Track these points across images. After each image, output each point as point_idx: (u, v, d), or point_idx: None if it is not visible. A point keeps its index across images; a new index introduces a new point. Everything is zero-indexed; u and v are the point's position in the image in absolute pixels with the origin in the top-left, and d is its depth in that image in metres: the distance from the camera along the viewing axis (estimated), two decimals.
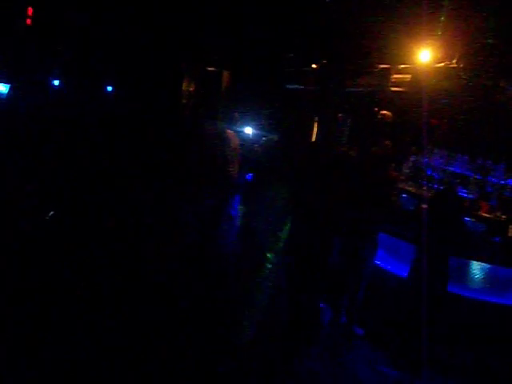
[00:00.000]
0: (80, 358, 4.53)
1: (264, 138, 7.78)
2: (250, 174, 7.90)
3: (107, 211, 8.17)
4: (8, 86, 10.16)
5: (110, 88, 15.97)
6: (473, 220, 6.94)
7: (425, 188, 7.78)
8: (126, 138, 11.26)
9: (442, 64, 10.16)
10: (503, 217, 7.03)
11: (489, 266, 6.44)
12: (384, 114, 9.44)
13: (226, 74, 13.93)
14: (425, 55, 9.56)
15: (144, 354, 4.74)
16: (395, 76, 11.58)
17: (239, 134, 9.54)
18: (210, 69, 14.03)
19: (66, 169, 9.00)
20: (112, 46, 13.00)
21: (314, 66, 13.11)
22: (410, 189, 7.82)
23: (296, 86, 14.33)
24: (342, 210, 5.87)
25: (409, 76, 11.14)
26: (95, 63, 13.13)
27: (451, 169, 8.23)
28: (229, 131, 7.95)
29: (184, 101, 12.97)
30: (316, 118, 11.77)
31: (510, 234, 6.71)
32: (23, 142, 8.39)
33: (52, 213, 7.41)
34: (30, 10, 13.15)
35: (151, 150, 10.62)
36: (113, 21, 12.30)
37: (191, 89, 13.07)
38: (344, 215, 5.87)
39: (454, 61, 10.09)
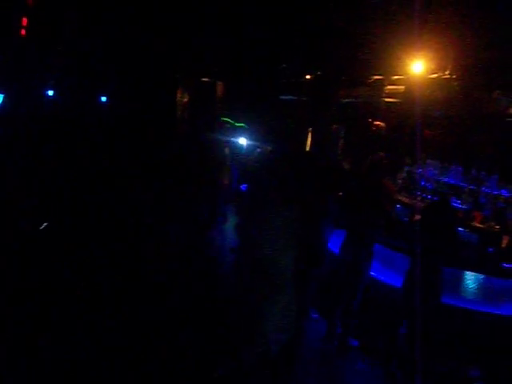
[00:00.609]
0: (80, 358, 4.53)
1: (258, 150, 7.85)
2: (245, 185, 7.94)
3: (107, 211, 8.23)
4: (1, 95, 10.20)
5: (104, 98, 16.09)
6: (466, 230, 6.96)
7: (419, 199, 7.81)
8: (126, 138, 11.33)
9: (435, 75, 10.22)
10: (497, 227, 7.05)
11: (482, 276, 6.45)
12: (378, 125, 9.51)
13: (220, 84, 13.97)
14: (418, 66, 9.63)
15: (144, 354, 4.74)
16: (389, 87, 11.64)
17: (233, 144, 9.58)
18: (204, 80, 14.07)
19: (66, 169, 9.07)
20: (112, 46, 13.01)
21: (308, 76, 13.16)
22: (404, 199, 7.85)
23: (290, 97, 14.39)
24: (340, 209, 5.91)
25: (402, 87, 11.21)
26: (95, 64, 13.14)
27: (445, 179, 8.27)
28: (221, 141, 8.04)
29: (179, 112, 13.01)
30: (310, 129, 11.83)
31: (503, 245, 6.73)
32: (21, 146, 8.44)
33: (46, 224, 7.42)
34: (25, 21, 13.16)
35: (151, 150, 10.70)
36: (113, 21, 12.34)
37: (185, 100, 13.10)
38: (341, 214, 5.91)
39: (447, 72, 10.16)
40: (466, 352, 5.84)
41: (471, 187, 7.91)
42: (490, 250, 6.68)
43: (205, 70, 13.67)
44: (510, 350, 5.81)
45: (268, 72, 13.52)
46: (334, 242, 6.47)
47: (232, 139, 10.17)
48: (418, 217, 5.92)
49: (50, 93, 15.70)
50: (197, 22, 12.00)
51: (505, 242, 6.76)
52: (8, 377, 4.17)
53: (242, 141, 10.57)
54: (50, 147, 8.83)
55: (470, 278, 6.50)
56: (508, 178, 7.82)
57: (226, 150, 8.39)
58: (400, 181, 8.74)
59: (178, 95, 13.38)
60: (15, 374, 4.21)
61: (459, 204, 7.63)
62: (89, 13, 12.32)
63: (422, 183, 8.29)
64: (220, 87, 14.24)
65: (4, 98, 10.16)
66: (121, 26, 12.22)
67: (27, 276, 5.81)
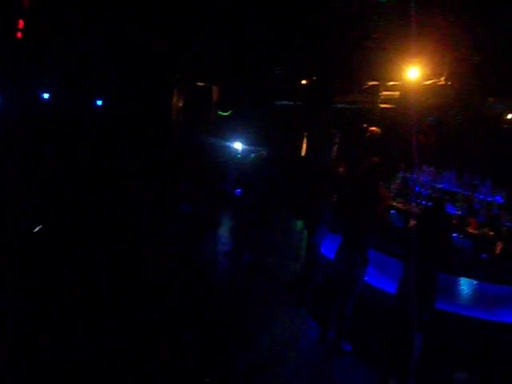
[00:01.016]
0: (80, 358, 4.52)
1: (253, 154, 7.85)
2: (239, 190, 7.94)
3: (107, 211, 8.25)
4: None
5: (99, 102, 16.09)
6: (461, 236, 6.96)
7: (413, 204, 7.81)
8: (122, 139, 11.33)
9: (431, 81, 10.25)
10: (491, 233, 7.06)
11: (477, 282, 6.46)
12: (373, 131, 9.51)
13: (215, 89, 13.96)
14: (413, 73, 9.64)
15: (144, 354, 4.72)
16: (384, 93, 11.67)
17: (229, 148, 9.57)
18: (199, 84, 14.05)
19: (64, 170, 9.07)
20: (112, 47, 12.98)
21: (303, 82, 13.18)
22: (399, 205, 7.85)
23: (286, 102, 14.41)
24: (335, 214, 5.93)
25: (397, 93, 11.23)
26: (94, 65, 13.11)
27: (439, 185, 8.27)
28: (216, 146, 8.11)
29: (174, 115, 13.01)
30: (305, 134, 11.84)
31: (497, 251, 6.74)
32: (17, 146, 8.47)
33: (40, 227, 7.41)
34: (21, 23, 13.12)
35: (146, 152, 10.70)
36: (112, 21, 12.31)
37: (180, 104, 13.09)
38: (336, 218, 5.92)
39: (443, 78, 10.19)
40: (459, 357, 5.84)
41: (465, 193, 7.91)
42: (484, 256, 6.69)
43: (203, 72, 13.63)
44: (502, 355, 5.83)
45: (266, 74, 13.50)
46: (329, 248, 6.46)
47: (227, 144, 10.18)
48: (413, 222, 5.92)
49: (46, 95, 15.71)
50: (196, 22, 11.99)
51: (499, 248, 6.77)
52: (8, 377, 4.15)
53: (238, 145, 10.57)
54: (48, 148, 8.88)
55: (464, 284, 6.51)
56: (502, 184, 7.85)
57: (220, 154, 8.41)
58: (395, 187, 8.74)
59: (174, 99, 13.36)
60: (15, 374, 4.20)
61: (454, 210, 7.63)
62: (89, 13, 12.28)
63: (417, 189, 8.29)
64: (215, 92, 14.24)
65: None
66: (120, 26, 12.20)
67: (27, 276, 5.83)
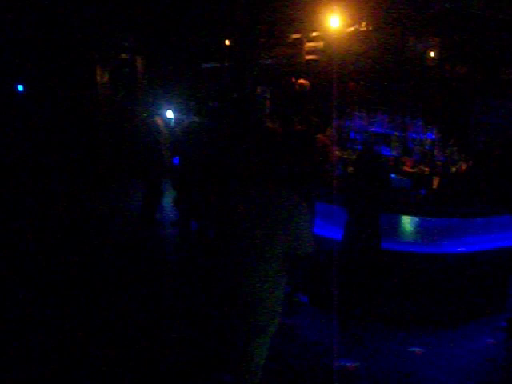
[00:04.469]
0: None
1: (185, 121, 7.78)
2: (177, 158, 7.88)
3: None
4: None
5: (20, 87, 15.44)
6: (398, 176, 7.14)
7: (349, 151, 7.92)
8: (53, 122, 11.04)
9: (352, 28, 10.31)
10: (427, 170, 7.27)
11: (417, 218, 6.66)
12: (301, 83, 9.53)
13: (139, 59, 13.64)
14: (334, 21, 9.65)
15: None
16: (308, 44, 11.67)
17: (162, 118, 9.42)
18: (123, 56, 13.68)
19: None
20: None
21: (227, 42, 13.01)
22: (336, 153, 7.94)
23: (213, 65, 14.20)
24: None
25: (321, 43, 11.25)
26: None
27: (372, 129, 8.39)
28: (158, 118, 8.02)
29: (100, 91, 12.66)
30: (235, 95, 11.76)
31: (434, 186, 6.96)
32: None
33: None
34: None
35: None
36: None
37: (105, 79, 12.73)
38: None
39: (363, 24, 10.27)
40: (408, 292, 6.06)
41: (398, 134, 8.08)
42: (423, 192, 6.88)
43: (123, 46, 13.28)
44: (448, 283, 6.09)
45: (190, 36, 13.23)
46: None
47: (159, 113, 9.98)
48: (350, 169, 6.02)
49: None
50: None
51: (435, 182, 6.99)
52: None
53: (169, 114, 10.41)
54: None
55: (406, 221, 6.71)
56: (432, 121, 8.06)
57: (163, 129, 8.30)
58: (330, 135, 8.82)
59: (98, 76, 12.97)
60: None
61: (389, 151, 7.79)
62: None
63: (352, 135, 8.39)
64: (140, 62, 13.90)
65: None
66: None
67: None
